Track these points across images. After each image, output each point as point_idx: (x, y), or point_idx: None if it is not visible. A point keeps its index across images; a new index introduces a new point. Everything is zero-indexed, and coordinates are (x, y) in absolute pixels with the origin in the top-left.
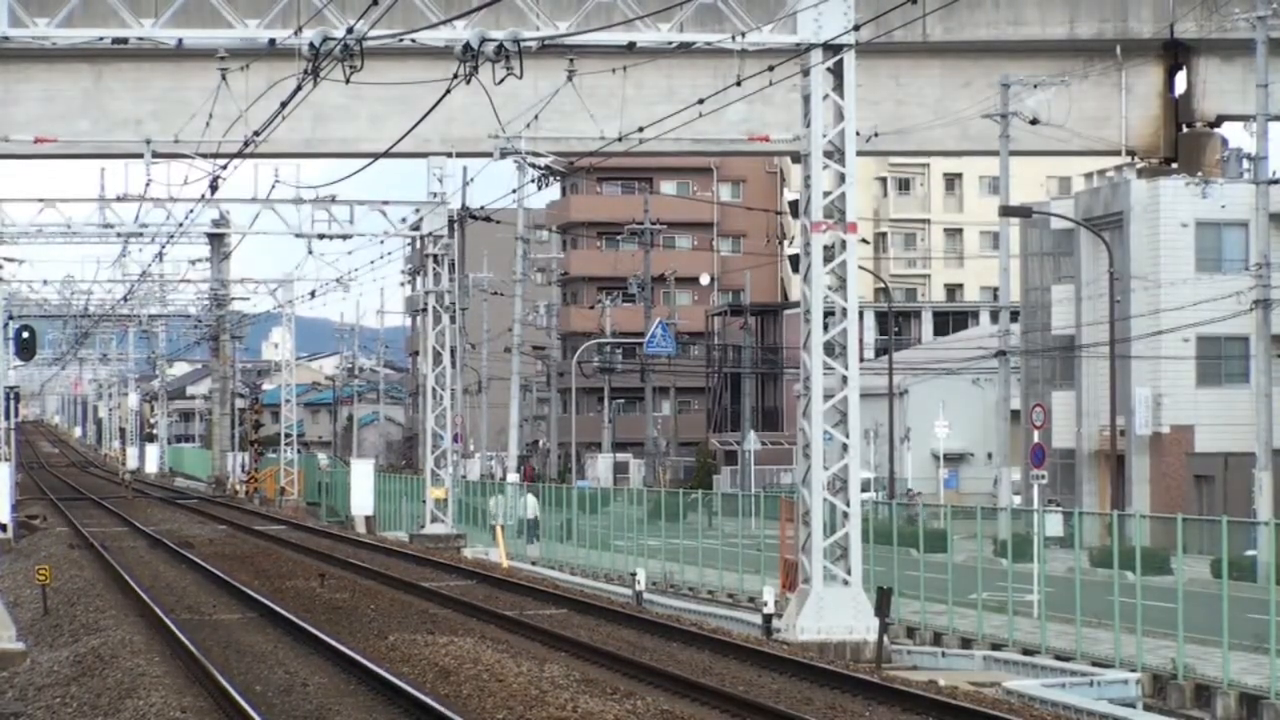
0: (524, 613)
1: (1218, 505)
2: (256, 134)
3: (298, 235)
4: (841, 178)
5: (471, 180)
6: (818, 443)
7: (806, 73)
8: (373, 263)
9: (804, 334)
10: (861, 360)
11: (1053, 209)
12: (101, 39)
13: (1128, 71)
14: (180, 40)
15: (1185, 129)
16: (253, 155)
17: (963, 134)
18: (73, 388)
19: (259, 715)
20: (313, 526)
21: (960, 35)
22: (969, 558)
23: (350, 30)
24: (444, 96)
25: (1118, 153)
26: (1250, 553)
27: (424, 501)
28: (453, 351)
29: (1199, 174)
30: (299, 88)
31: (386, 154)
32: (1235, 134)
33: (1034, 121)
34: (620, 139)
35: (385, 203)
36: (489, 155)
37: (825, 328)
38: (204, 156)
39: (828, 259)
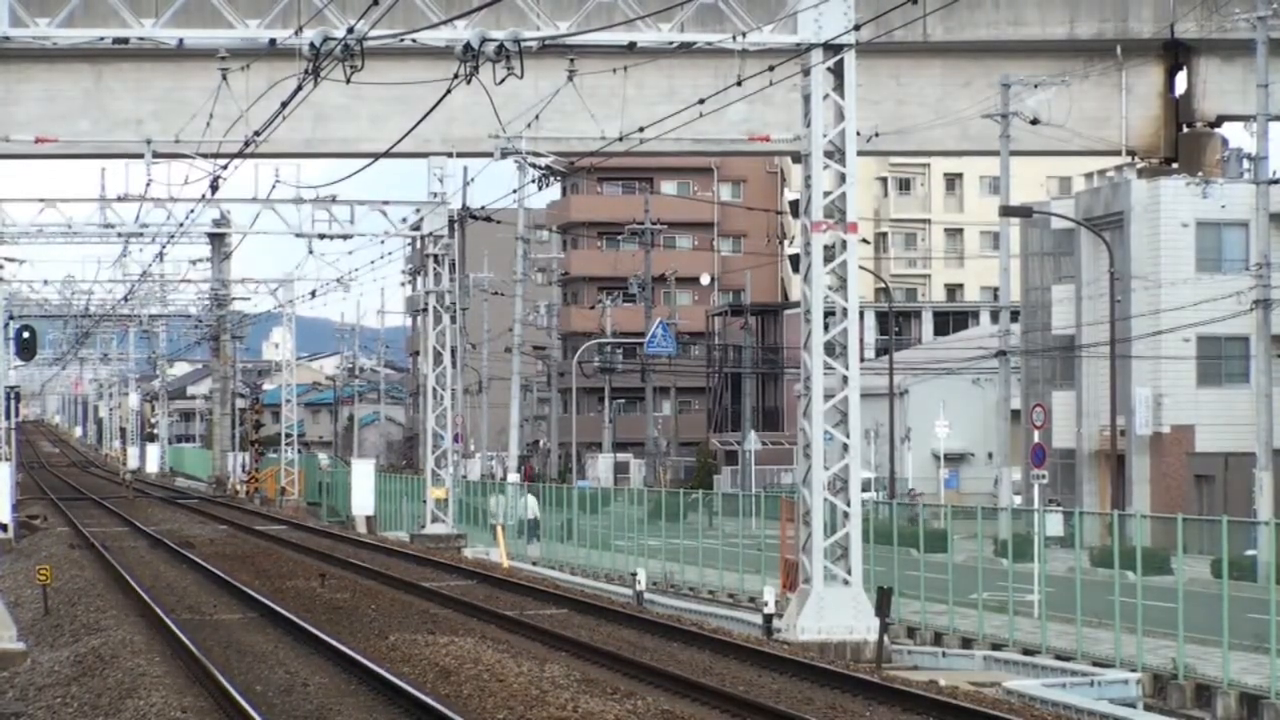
0: (524, 613)
1: (1218, 505)
2: (257, 134)
3: (298, 235)
4: (842, 178)
5: (472, 180)
6: (818, 443)
7: (807, 73)
8: (373, 263)
9: (804, 334)
10: (862, 360)
11: (1053, 209)
12: (102, 39)
13: (1128, 71)
14: (181, 40)
15: (1185, 129)
16: (253, 155)
17: (963, 134)
18: (73, 388)
19: (259, 715)
20: (313, 526)
21: (960, 35)
22: (969, 558)
23: (351, 30)
24: (444, 96)
25: (1118, 153)
26: (1250, 553)
27: (424, 501)
28: (453, 351)
29: (1199, 174)
30: (299, 88)
31: (387, 154)
32: (1235, 134)
33: (1034, 121)
34: (621, 139)
35: (386, 203)
36: (489, 155)
37: (826, 328)
38: (204, 156)
39: (828, 259)
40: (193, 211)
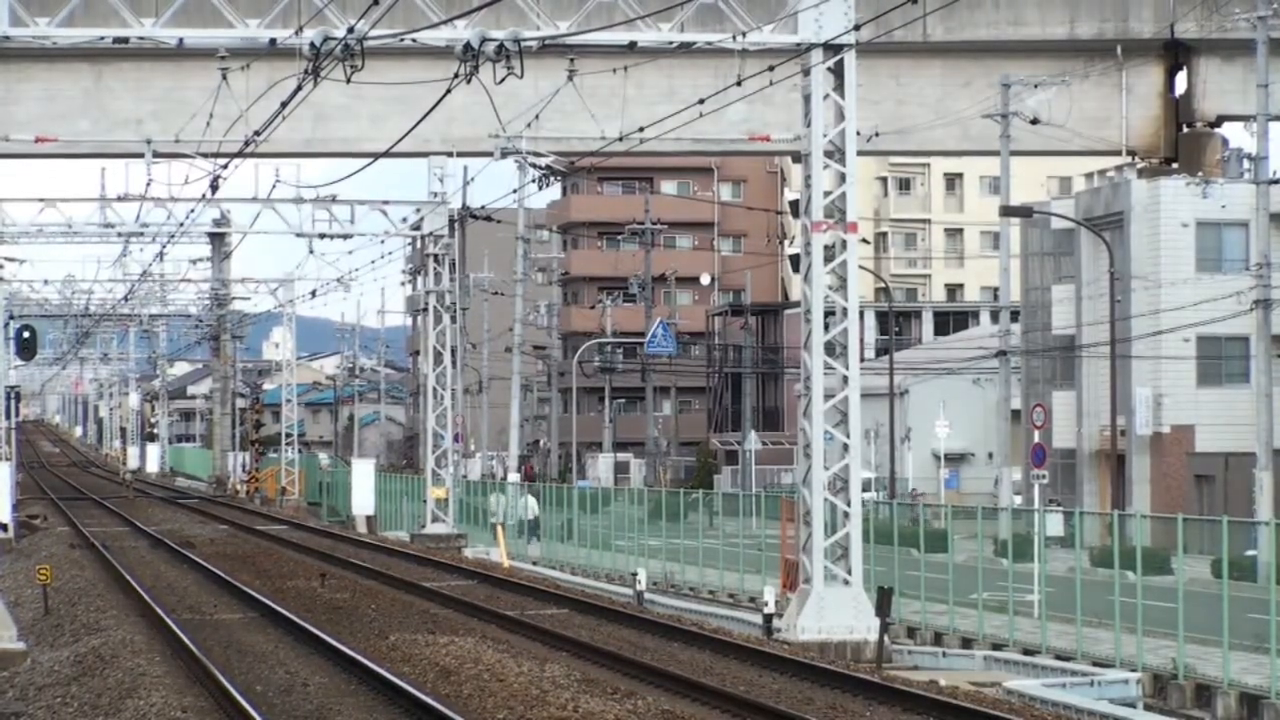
0: (525, 613)
1: (1218, 505)
2: (257, 134)
3: (298, 235)
4: (842, 177)
5: (472, 180)
6: (818, 443)
7: (807, 72)
8: (373, 263)
9: (804, 334)
10: (862, 360)
11: (1053, 209)
12: (102, 38)
13: (1128, 71)
14: (181, 40)
15: (1185, 129)
16: (253, 155)
17: (963, 134)
18: (73, 387)
19: (259, 715)
20: (313, 526)
21: (961, 35)
22: (970, 558)
23: (351, 30)
24: (444, 96)
25: (1118, 153)
26: (1250, 553)
27: (425, 501)
28: (453, 351)
29: (1199, 174)
30: (299, 87)
31: (387, 154)
32: (1235, 134)
33: (1034, 121)
34: (621, 139)
35: (386, 202)
36: (489, 155)
37: (826, 328)
38: (204, 156)
39: (828, 259)
40: (193, 211)
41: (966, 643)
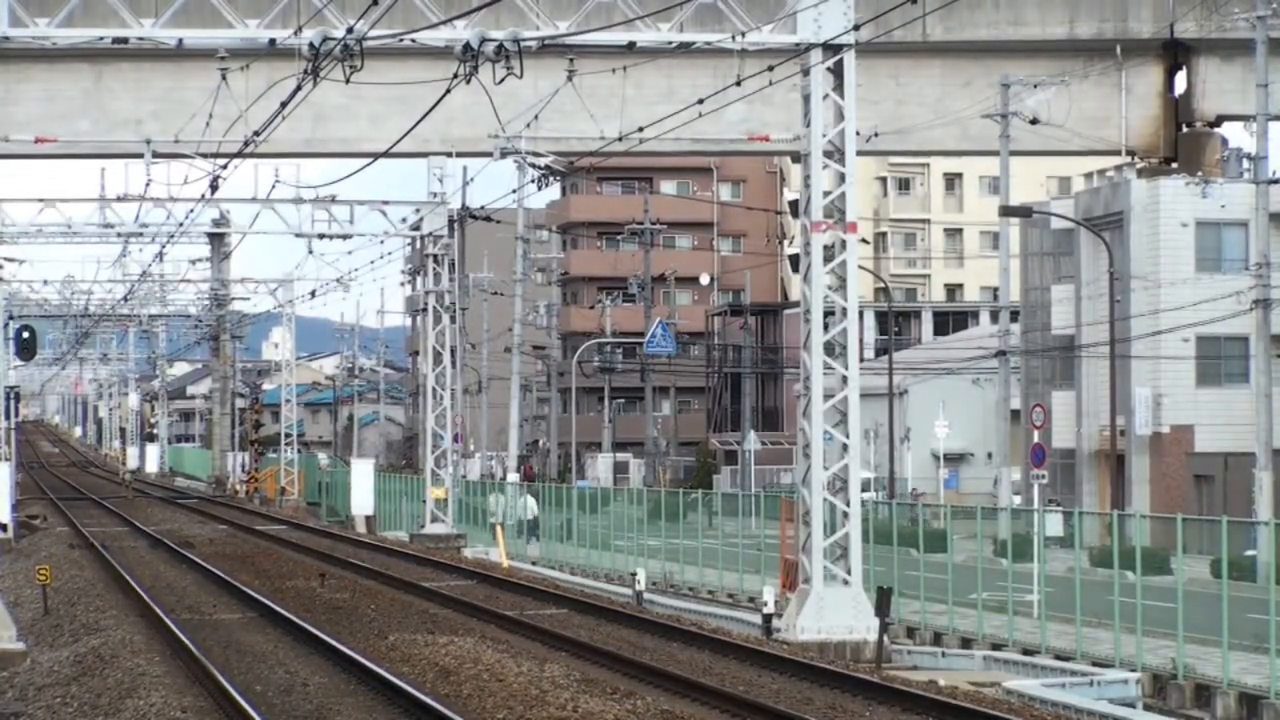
0: (524, 613)
1: (1218, 505)
2: (256, 134)
3: (298, 235)
4: (841, 177)
5: (471, 180)
6: (818, 443)
7: (806, 73)
8: (373, 263)
9: (804, 334)
10: (861, 360)
11: (1053, 209)
12: (102, 39)
13: (1128, 71)
14: (180, 40)
15: (1185, 129)
16: (253, 155)
17: (963, 134)
18: (73, 388)
19: (259, 715)
20: (313, 526)
21: (960, 35)
22: (969, 558)
23: (350, 30)
24: (444, 96)
25: (1118, 153)
26: (1250, 553)
27: (424, 501)
28: (453, 351)
29: (1199, 174)
30: (299, 88)
31: (386, 154)
32: (1235, 134)
33: (1034, 121)
34: (620, 139)
35: (385, 203)
36: (489, 155)
37: (825, 328)
38: (204, 156)
39: (828, 259)
40: (192, 211)
41: (966, 643)
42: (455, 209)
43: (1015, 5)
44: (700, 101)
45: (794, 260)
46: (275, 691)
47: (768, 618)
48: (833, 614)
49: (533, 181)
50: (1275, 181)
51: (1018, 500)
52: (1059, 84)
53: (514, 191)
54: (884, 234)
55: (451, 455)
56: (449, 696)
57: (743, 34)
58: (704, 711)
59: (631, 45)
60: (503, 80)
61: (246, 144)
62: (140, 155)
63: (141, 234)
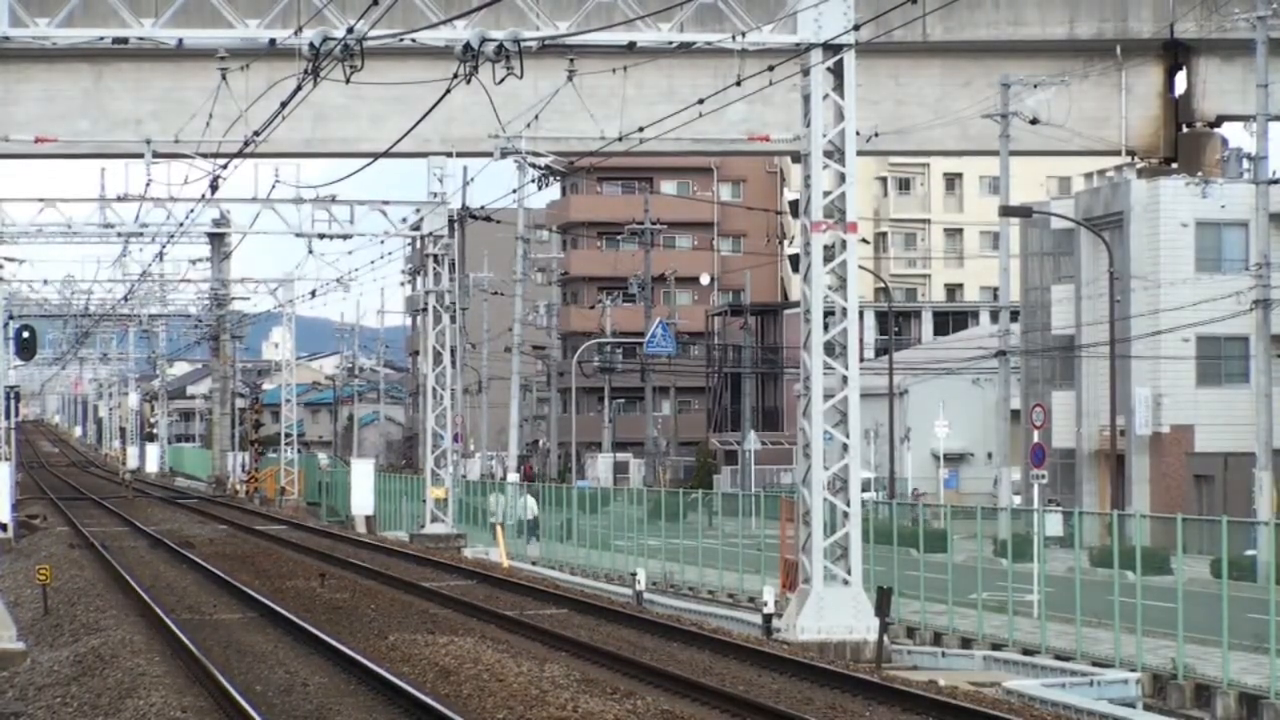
0: (524, 613)
1: (1218, 505)
2: (256, 134)
3: (298, 235)
4: (841, 177)
5: (471, 180)
6: (818, 443)
7: (806, 72)
8: (373, 263)
9: (804, 334)
10: (861, 360)
11: (1053, 209)
12: (101, 39)
13: (1128, 71)
14: (180, 40)
15: (1185, 129)
16: (253, 155)
17: (963, 134)
18: (73, 387)
19: (259, 715)
20: (313, 526)
21: (960, 35)
22: (969, 558)
23: (350, 30)
24: (444, 96)
25: (1118, 153)
26: (1250, 553)
27: (424, 501)
28: (453, 351)
29: (1199, 174)
30: (299, 88)
31: (386, 154)
32: (1235, 134)
33: (1034, 121)
34: (620, 139)
35: (385, 203)
36: (489, 155)
37: (825, 328)
38: (204, 156)
39: (828, 259)
40: (192, 211)
41: (966, 643)
42: (455, 209)
43: (1015, 5)
44: (700, 101)
45: (794, 260)
46: (275, 691)
47: (768, 618)
48: (833, 614)
49: (533, 181)
50: (1275, 181)
51: (1018, 500)
52: (1059, 84)
53: (514, 191)
54: (884, 234)
55: (451, 455)
56: (449, 696)
57: (743, 34)
58: (704, 711)
59: (631, 45)
60: (503, 80)
61: (246, 144)
62: (140, 155)
63: (141, 234)
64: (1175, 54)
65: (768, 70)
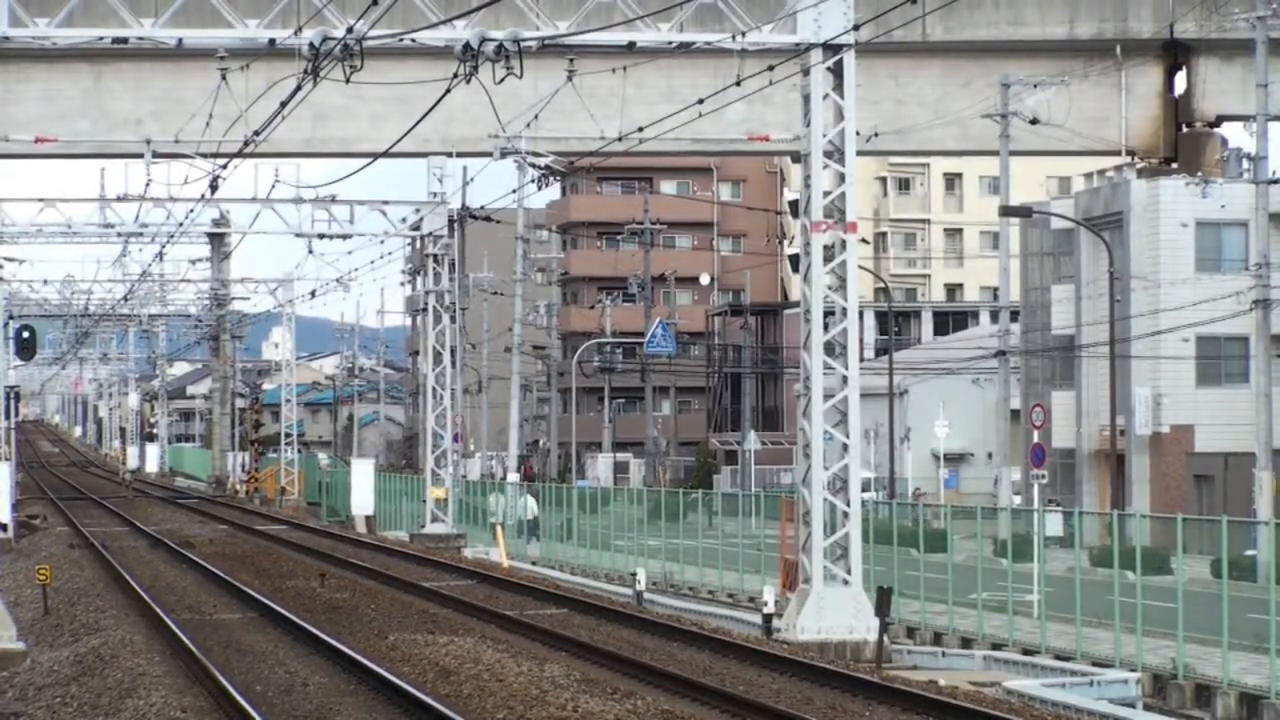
0: (524, 612)
1: (1218, 505)
2: (256, 134)
3: (298, 235)
4: (841, 177)
5: (471, 180)
6: (818, 442)
7: (806, 72)
8: (373, 263)
9: (804, 334)
10: (861, 360)
11: (1053, 209)
12: (101, 39)
13: (1128, 71)
14: (180, 40)
15: (1185, 129)
16: (253, 155)
17: (963, 134)
18: (73, 387)
19: (259, 715)
20: (313, 526)
21: (960, 35)
22: (969, 557)
23: (350, 30)
24: (444, 96)
25: (1118, 153)
26: (1250, 553)
27: (424, 501)
28: (453, 351)
29: (1199, 174)
30: (299, 87)
31: (386, 154)
32: (1235, 134)
33: (1034, 121)
34: (620, 139)
35: (385, 203)
36: (489, 155)
37: (825, 328)
38: (204, 156)
39: (828, 259)
40: (192, 211)
41: (966, 643)
42: (455, 209)
43: (1015, 5)
44: (700, 101)
45: (794, 260)
46: (275, 691)
47: (768, 618)
48: (833, 614)
49: (533, 181)
50: (1275, 181)
51: (1018, 500)
52: (1059, 84)
53: (514, 191)
54: (884, 234)
55: (451, 455)
56: (449, 696)
57: (743, 34)
58: (704, 711)
59: (631, 45)
60: (503, 80)
61: (246, 144)
62: (140, 155)
63: (141, 234)
64: (1175, 54)
65: (767, 70)
